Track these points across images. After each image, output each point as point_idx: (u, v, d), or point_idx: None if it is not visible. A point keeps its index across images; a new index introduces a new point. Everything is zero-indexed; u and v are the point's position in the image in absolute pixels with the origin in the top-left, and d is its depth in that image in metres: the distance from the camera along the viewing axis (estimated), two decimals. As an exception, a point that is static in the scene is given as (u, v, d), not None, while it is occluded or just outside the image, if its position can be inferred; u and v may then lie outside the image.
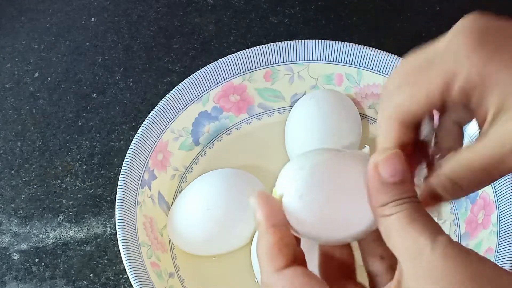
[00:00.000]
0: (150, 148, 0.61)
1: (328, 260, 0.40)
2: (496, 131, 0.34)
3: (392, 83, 0.38)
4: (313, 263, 0.40)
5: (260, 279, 0.37)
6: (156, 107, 0.62)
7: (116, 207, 0.57)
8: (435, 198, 0.37)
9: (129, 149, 0.60)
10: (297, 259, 0.36)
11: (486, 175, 0.35)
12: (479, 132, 0.36)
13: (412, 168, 0.39)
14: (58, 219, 0.64)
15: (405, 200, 0.34)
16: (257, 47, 0.64)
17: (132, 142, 0.60)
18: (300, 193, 0.37)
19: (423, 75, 0.36)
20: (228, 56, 0.64)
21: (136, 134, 0.60)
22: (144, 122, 0.61)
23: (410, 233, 0.33)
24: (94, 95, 0.71)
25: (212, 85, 0.64)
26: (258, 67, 0.64)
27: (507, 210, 0.55)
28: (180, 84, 0.63)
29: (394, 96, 0.37)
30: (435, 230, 0.33)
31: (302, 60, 0.65)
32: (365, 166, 0.36)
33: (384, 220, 0.34)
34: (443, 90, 0.35)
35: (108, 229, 0.63)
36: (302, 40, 0.64)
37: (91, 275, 0.60)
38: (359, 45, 0.64)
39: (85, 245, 0.62)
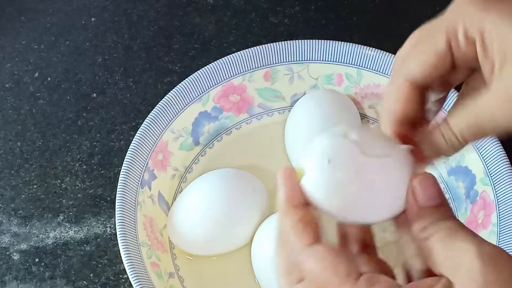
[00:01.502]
0: (150, 148, 0.61)
1: (347, 237, 0.40)
2: (502, 80, 0.34)
3: (402, 53, 0.39)
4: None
5: (284, 259, 0.36)
6: (156, 107, 0.62)
7: (116, 207, 0.57)
8: (435, 151, 0.37)
9: (129, 149, 0.60)
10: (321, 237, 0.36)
11: (491, 126, 0.35)
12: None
13: (414, 134, 0.39)
14: (58, 219, 0.64)
15: (444, 221, 0.35)
16: (257, 47, 0.64)
17: (132, 142, 0.60)
18: (326, 169, 0.36)
19: (430, 38, 0.37)
20: (228, 56, 0.64)
21: (136, 134, 0.60)
22: (144, 122, 0.61)
23: (453, 249, 0.33)
24: (94, 95, 0.71)
25: (212, 85, 0.64)
26: (258, 67, 0.64)
27: (507, 210, 0.55)
28: (180, 84, 0.63)
29: (405, 63, 0.38)
30: (477, 240, 0.33)
31: (302, 60, 0.65)
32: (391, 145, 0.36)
33: (425, 242, 0.34)
34: (448, 46, 0.36)
35: (108, 229, 0.63)
36: (302, 40, 0.64)
37: (91, 275, 0.60)
38: (359, 45, 0.64)
39: (85, 245, 0.62)
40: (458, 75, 0.39)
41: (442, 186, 0.47)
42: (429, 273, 0.35)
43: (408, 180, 0.36)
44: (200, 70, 0.64)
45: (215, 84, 0.64)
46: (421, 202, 0.35)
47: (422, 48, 0.37)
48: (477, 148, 0.58)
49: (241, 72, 0.64)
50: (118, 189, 0.58)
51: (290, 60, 0.65)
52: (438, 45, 0.36)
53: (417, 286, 0.34)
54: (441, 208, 0.35)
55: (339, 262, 0.34)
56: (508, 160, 0.57)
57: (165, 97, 0.62)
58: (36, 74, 0.73)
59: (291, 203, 0.37)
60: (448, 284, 0.33)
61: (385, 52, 0.63)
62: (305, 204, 0.37)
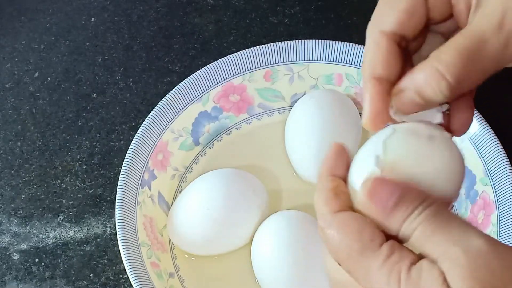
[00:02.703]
0: (150, 148, 0.61)
1: None
2: (482, 12, 0.34)
3: (375, 12, 0.38)
4: None
5: (318, 224, 0.36)
6: (156, 107, 0.62)
7: (116, 207, 0.57)
8: (422, 99, 0.35)
9: (129, 149, 0.60)
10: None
11: (475, 59, 0.34)
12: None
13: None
14: (58, 219, 0.64)
15: (418, 211, 0.33)
16: (257, 47, 0.64)
17: (132, 142, 0.60)
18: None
19: None
20: (228, 56, 0.64)
21: (136, 134, 0.60)
22: (144, 122, 0.61)
23: (440, 243, 0.32)
24: (94, 95, 0.71)
25: (212, 85, 0.64)
26: (258, 67, 0.64)
27: (507, 210, 0.55)
28: (180, 84, 0.63)
29: (376, 15, 0.37)
30: (463, 231, 0.32)
31: (302, 60, 0.65)
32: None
33: (410, 241, 0.33)
34: None
35: (108, 229, 0.63)
36: (302, 40, 0.64)
37: (91, 275, 0.60)
38: (359, 45, 0.64)
39: (85, 245, 0.62)
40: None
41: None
42: None
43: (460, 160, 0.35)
44: (200, 70, 0.64)
45: (215, 84, 0.64)
46: (381, 207, 0.34)
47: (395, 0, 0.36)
48: (477, 148, 0.58)
49: (241, 72, 0.64)
50: (118, 189, 0.58)
51: (290, 60, 0.65)
52: None
53: (432, 267, 0.32)
54: (406, 199, 0.33)
55: (364, 227, 0.34)
56: (508, 160, 0.57)
57: (165, 97, 0.62)
58: (36, 74, 0.73)
59: (330, 171, 0.36)
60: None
61: (385, 52, 0.63)
62: (344, 178, 0.37)
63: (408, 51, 0.38)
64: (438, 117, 0.37)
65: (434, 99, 0.35)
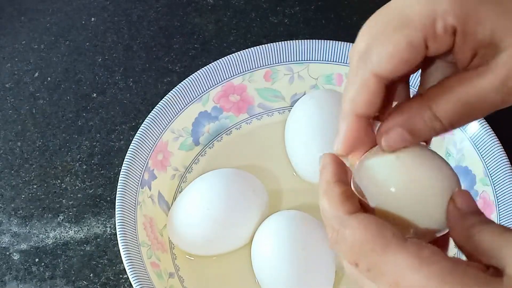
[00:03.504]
0: (150, 148, 0.61)
1: None
2: (499, 65, 0.34)
3: (361, 46, 0.37)
4: None
5: (328, 229, 0.36)
6: (156, 107, 0.62)
7: (116, 207, 0.57)
8: (413, 136, 0.36)
9: (129, 149, 0.60)
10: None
11: (483, 108, 0.35)
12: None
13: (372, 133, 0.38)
14: (58, 219, 0.64)
15: (489, 223, 0.35)
16: (257, 47, 0.64)
17: (132, 142, 0.60)
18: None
19: (402, 30, 0.35)
20: (228, 56, 0.64)
21: (136, 134, 0.60)
22: (144, 122, 0.61)
23: (506, 240, 0.33)
24: (94, 95, 0.71)
25: (212, 85, 0.64)
26: (258, 67, 0.64)
27: (507, 210, 0.55)
28: (180, 84, 0.63)
29: (369, 55, 0.36)
30: None
31: (302, 60, 0.65)
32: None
33: (473, 239, 0.34)
34: (426, 33, 0.35)
35: (108, 229, 0.63)
36: (302, 40, 0.64)
37: (91, 275, 0.60)
38: (359, 45, 0.64)
39: (85, 245, 0.62)
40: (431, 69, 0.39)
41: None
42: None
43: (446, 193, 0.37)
44: (200, 70, 0.64)
45: (215, 84, 0.64)
46: (462, 208, 0.35)
47: (393, 42, 0.35)
48: (477, 148, 0.58)
49: (241, 72, 0.64)
50: (118, 189, 0.58)
51: (290, 60, 0.65)
52: (414, 39, 0.35)
53: (464, 263, 0.33)
54: (483, 215, 0.35)
55: (384, 226, 0.34)
56: (508, 160, 0.57)
57: (165, 97, 0.62)
58: (36, 74, 0.73)
59: (336, 178, 0.37)
60: (496, 271, 0.33)
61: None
62: (348, 183, 0.37)
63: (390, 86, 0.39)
64: None
65: (425, 135, 0.36)
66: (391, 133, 0.36)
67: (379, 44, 0.36)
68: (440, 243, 0.37)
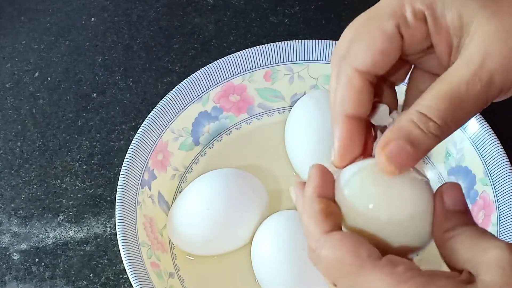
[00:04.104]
0: (150, 148, 0.61)
1: None
2: (462, 55, 0.34)
3: (342, 45, 0.37)
4: None
5: (308, 247, 0.36)
6: (156, 107, 0.62)
7: (116, 207, 0.57)
8: (412, 145, 0.35)
9: (129, 149, 0.60)
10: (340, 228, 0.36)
11: (459, 104, 0.34)
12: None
13: (369, 134, 0.38)
14: (58, 219, 0.64)
15: (469, 225, 0.34)
16: (257, 47, 0.64)
17: (132, 142, 0.60)
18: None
19: (375, 23, 0.35)
20: (228, 56, 0.64)
21: (136, 134, 0.60)
22: (144, 122, 0.61)
23: (480, 246, 0.33)
24: (94, 95, 0.71)
25: (212, 85, 0.64)
26: (258, 67, 0.64)
27: (507, 210, 0.55)
28: (180, 84, 0.63)
29: (350, 52, 0.36)
30: (504, 241, 0.33)
31: (302, 60, 0.65)
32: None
33: (450, 242, 0.34)
34: (397, 27, 0.35)
35: (108, 229, 0.63)
36: (302, 40, 0.64)
37: (91, 275, 0.60)
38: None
39: (85, 245, 0.62)
40: (406, 67, 0.38)
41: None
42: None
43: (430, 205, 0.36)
44: (200, 70, 0.64)
45: (215, 84, 0.64)
46: (448, 206, 0.35)
47: (368, 34, 0.36)
48: (477, 148, 0.58)
49: (241, 72, 0.64)
50: (118, 189, 0.58)
51: (290, 60, 0.65)
52: (386, 27, 0.35)
53: (438, 274, 0.33)
54: (467, 214, 0.35)
55: (360, 245, 0.34)
56: (508, 160, 0.57)
57: (165, 97, 0.62)
58: (36, 74, 0.73)
59: (318, 193, 0.36)
60: (470, 277, 0.33)
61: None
62: (332, 198, 0.37)
63: (376, 85, 0.38)
64: (388, 119, 0.38)
65: (425, 142, 0.35)
66: (390, 147, 0.35)
67: (357, 40, 0.36)
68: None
